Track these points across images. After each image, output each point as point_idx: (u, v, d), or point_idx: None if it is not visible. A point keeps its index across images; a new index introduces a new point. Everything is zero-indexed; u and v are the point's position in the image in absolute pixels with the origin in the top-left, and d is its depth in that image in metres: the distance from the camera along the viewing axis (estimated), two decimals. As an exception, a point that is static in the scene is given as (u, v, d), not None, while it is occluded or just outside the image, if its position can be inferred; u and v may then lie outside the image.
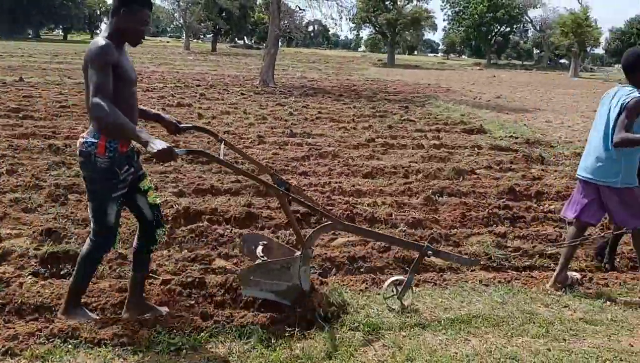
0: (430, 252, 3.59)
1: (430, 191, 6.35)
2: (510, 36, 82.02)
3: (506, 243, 4.87)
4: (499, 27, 71.40)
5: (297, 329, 3.24)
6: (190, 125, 3.77)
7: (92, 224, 3.12)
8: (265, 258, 3.59)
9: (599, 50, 79.92)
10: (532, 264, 4.55)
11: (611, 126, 3.87)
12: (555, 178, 7.66)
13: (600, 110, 4.05)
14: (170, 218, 4.92)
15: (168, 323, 3.21)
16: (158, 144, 2.73)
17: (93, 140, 2.95)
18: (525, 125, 13.31)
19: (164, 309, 3.39)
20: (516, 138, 10.90)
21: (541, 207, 6.15)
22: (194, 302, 3.52)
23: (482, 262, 4.42)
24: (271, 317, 3.31)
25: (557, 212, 5.95)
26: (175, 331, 3.16)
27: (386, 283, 3.72)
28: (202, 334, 3.16)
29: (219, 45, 58.15)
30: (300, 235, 3.61)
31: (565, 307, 3.84)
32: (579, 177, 4.17)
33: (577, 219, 4.16)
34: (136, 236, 3.34)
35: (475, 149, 9.48)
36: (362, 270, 4.25)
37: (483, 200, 6.23)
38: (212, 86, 18.25)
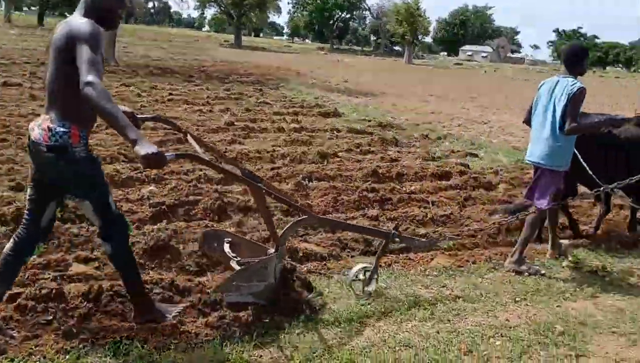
0: (397, 238, 3.70)
1: (300, 176, 6.24)
2: (350, 22, 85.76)
3: (381, 226, 4.93)
4: (339, 13, 74.14)
5: (181, 342, 2.90)
6: (150, 115, 3.24)
7: (100, 221, 2.78)
8: (237, 256, 3.43)
9: (428, 39, 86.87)
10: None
11: (559, 116, 4.10)
12: (410, 159, 8.02)
13: (542, 101, 4.27)
14: (9, 217, 4.18)
15: (21, 351, 2.66)
16: (147, 147, 2.39)
17: (64, 129, 2.57)
18: (375, 108, 13.87)
19: (12, 333, 2.80)
20: (369, 121, 11.30)
21: (404, 188, 6.37)
22: (51, 317, 2.97)
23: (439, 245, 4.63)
24: (149, 329, 2.92)
25: (418, 192, 6.24)
26: (32, 357, 2.63)
27: (355, 269, 3.69)
28: (67, 357, 2.68)
29: (49, 20, 51.99)
30: (274, 231, 3.49)
31: (443, 286, 3.96)
32: (529, 162, 4.46)
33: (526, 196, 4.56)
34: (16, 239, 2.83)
35: (335, 132, 9.61)
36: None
37: (351, 184, 6.28)
38: (43, 64, 16.27)
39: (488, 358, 3.05)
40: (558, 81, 4.22)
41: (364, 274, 3.66)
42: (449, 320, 3.45)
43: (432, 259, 4.44)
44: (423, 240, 4.51)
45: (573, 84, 4.09)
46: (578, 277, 4.27)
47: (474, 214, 5.57)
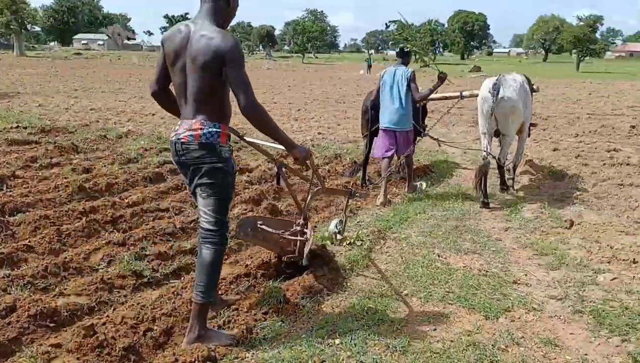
0: (357, 194, 5.09)
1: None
2: None
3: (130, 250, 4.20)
4: None
5: None
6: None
7: (211, 216, 2.92)
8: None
9: (37, 28, 78.26)
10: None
11: (404, 93, 6.03)
12: (107, 165, 7.09)
13: (388, 84, 6.13)
14: None
15: None
16: (302, 149, 3.07)
17: (215, 129, 2.83)
18: (22, 111, 11.74)
19: None
20: (26, 128, 9.48)
21: (125, 200, 5.57)
22: None
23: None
24: None
25: (142, 202, 5.56)
26: None
27: (334, 223, 4.53)
28: None
29: None
30: (298, 202, 3.91)
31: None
32: (385, 128, 6.18)
33: (386, 157, 6.22)
34: None
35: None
36: None
37: (60, 209, 5.12)
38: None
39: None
40: (396, 70, 6.15)
41: (339, 225, 4.48)
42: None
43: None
44: (363, 192, 6.24)
45: (407, 70, 6.10)
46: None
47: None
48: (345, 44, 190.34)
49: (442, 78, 5.84)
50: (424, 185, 6.73)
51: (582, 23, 63.35)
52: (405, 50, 6.33)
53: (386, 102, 6.13)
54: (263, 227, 3.85)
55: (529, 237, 4.93)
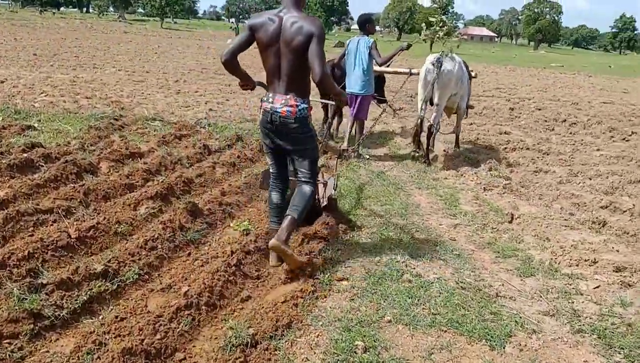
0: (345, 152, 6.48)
1: None
2: None
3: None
4: None
5: None
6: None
7: (307, 172, 3.69)
8: None
9: None
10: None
11: (366, 60, 6.75)
12: None
13: (352, 52, 6.83)
14: None
15: None
16: (345, 96, 3.90)
17: (304, 105, 3.52)
18: None
19: None
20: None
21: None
22: None
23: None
24: None
25: (12, 198, 4.29)
26: None
27: (330, 182, 4.69)
28: None
29: None
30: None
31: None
32: (351, 93, 6.82)
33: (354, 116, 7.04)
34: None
35: None
36: None
37: None
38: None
39: None
40: (359, 39, 6.82)
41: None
42: None
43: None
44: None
45: (369, 40, 6.79)
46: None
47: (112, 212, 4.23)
48: (205, 11, 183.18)
49: (406, 47, 7.05)
50: (367, 155, 7.18)
51: (435, 5, 67.10)
52: (366, 19, 6.91)
53: (350, 69, 6.88)
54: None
55: (482, 236, 4.57)
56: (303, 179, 3.71)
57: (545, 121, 11.15)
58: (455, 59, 6.84)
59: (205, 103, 10.30)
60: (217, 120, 8.62)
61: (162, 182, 5.11)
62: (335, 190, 4.77)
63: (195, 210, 4.52)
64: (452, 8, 70.72)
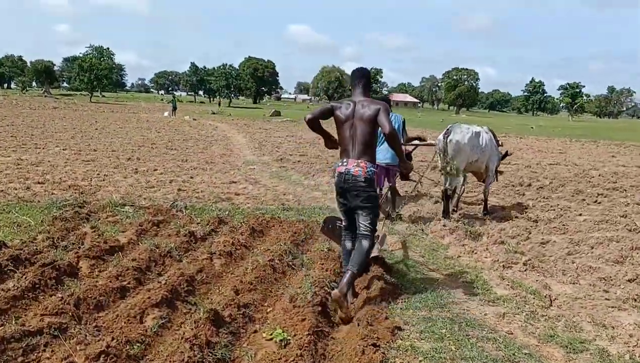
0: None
1: None
2: None
3: None
4: None
5: None
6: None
7: (368, 226, 4.31)
8: None
9: None
10: None
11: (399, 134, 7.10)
12: None
13: None
14: None
15: None
16: (408, 164, 4.80)
17: (373, 168, 4.30)
18: None
19: None
20: None
21: None
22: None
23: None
24: None
25: None
26: None
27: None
28: None
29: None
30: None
31: None
32: (381, 163, 6.76)
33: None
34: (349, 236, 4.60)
35: None
36: None
37: None
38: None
39: None
40: (393, 115, 6.39)
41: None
42: None
43: None
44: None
45: (401, 117, 7.41)
46: None
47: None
48: (133, 83, 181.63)
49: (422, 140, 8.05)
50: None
51: (365, 75, 69.72)
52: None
53: (380, 141, 6.58)
54: (341, 225, 4.82)
55: (536, 325, 4.14)
56: (363, 232, 4.31)
57: (513, 186, 11.22)
58: (470, 128, 7.47)
59: (170, 182, 9.58)
60: (191, 201, 7.95)
61: (164, 284, 4.39)
62: (382, 246, 5.39)
63: (217, 319, 3.83)
64: (382, 77, 73.76)
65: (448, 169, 7.36)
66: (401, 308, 4.34)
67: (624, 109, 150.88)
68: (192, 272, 4.85)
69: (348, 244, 4.58)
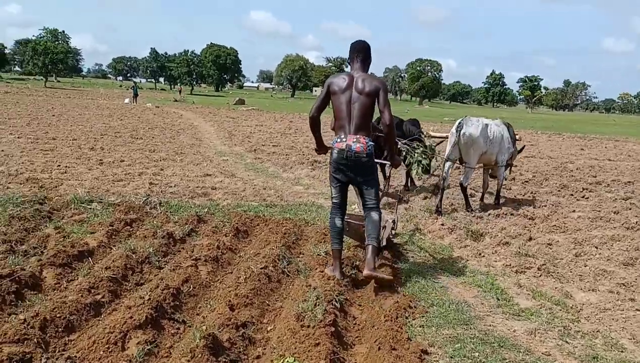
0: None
1: None
2: None
3: None
4: None
5: None
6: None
7: (374, 200, 4.45)
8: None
9: None
10: None
11: None
12: None
13: None
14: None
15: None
16: (397, 158, 4.94)
17: (372, 143, 4.33)
18: None
19: None
20: None
21: None
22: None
23: None
24: None
25: None
26: None
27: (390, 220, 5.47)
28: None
29: None
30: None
31: None
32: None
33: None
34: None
35: None
36: None
37: None
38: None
39: None
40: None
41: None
42: None
43: None
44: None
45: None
46: None
47: None
48: (89, 69, 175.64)
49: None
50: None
51: (330, 64, 69.27)
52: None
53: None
54: (349, 220, 5.05)
55: (573, 344, 3.69)
56: (371, 205, 4.46)
57: (498, 180, 10.89)
58: (481, 121, 7.50)
59: (140, 174, 8.81)
60: (166, 197, 7.24)
61: (147, 299, 3.73)
62: (394, 230, 5.56)
63: (215, 345, 3.23)
64: (347, 67, 73.26)
65: (464, 159, 7.52)
66: (421, 326, 3.83)
67: (579, 102, 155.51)
68: (177, 283, 4.21)
69: (338, 222, 4.56)
